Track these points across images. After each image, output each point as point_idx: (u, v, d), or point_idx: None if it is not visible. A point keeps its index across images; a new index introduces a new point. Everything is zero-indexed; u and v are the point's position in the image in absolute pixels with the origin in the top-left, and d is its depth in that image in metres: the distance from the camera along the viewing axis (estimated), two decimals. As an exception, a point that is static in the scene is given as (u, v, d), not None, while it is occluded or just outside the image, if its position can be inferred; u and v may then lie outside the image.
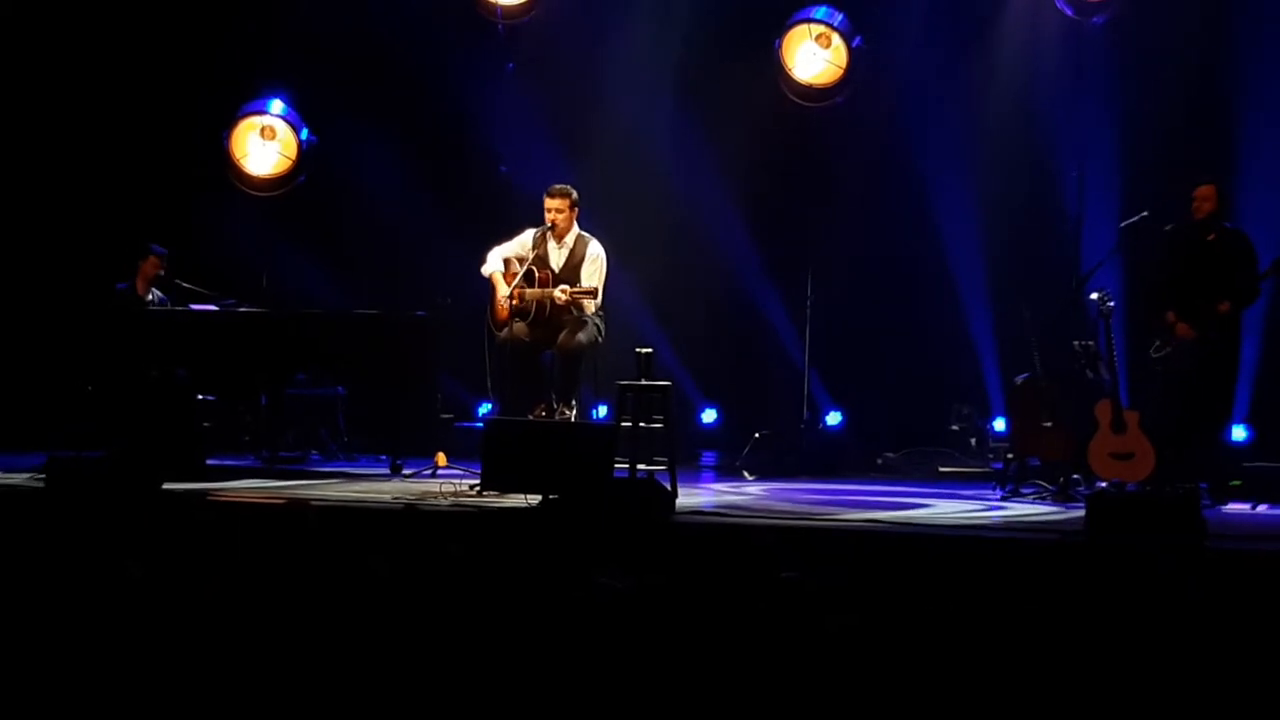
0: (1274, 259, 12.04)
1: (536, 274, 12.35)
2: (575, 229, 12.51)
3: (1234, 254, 12.09)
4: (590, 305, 12.29)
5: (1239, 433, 13.50)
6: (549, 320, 12.32)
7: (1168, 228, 12.38)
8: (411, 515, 9.96)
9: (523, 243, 12.50)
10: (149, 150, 15.45)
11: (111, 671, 6.14)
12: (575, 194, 12.49)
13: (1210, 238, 12.18)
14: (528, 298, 12.31)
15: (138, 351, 13.26)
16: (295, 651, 6.28)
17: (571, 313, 12.28)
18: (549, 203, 12.42)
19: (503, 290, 12.37)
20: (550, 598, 6.89)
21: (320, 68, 15.45)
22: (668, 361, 14.60)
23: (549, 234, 12.44)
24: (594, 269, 12.37)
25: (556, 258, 12.45)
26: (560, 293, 12.18)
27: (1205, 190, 12.17)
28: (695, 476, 13.85)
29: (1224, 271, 12.03)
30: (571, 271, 12.36)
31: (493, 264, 12.52)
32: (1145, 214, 12.69)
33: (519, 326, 12.30)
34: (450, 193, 15.50)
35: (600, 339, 12.44)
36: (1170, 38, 14.25)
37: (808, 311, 14.82)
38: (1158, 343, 12.27)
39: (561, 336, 12.25)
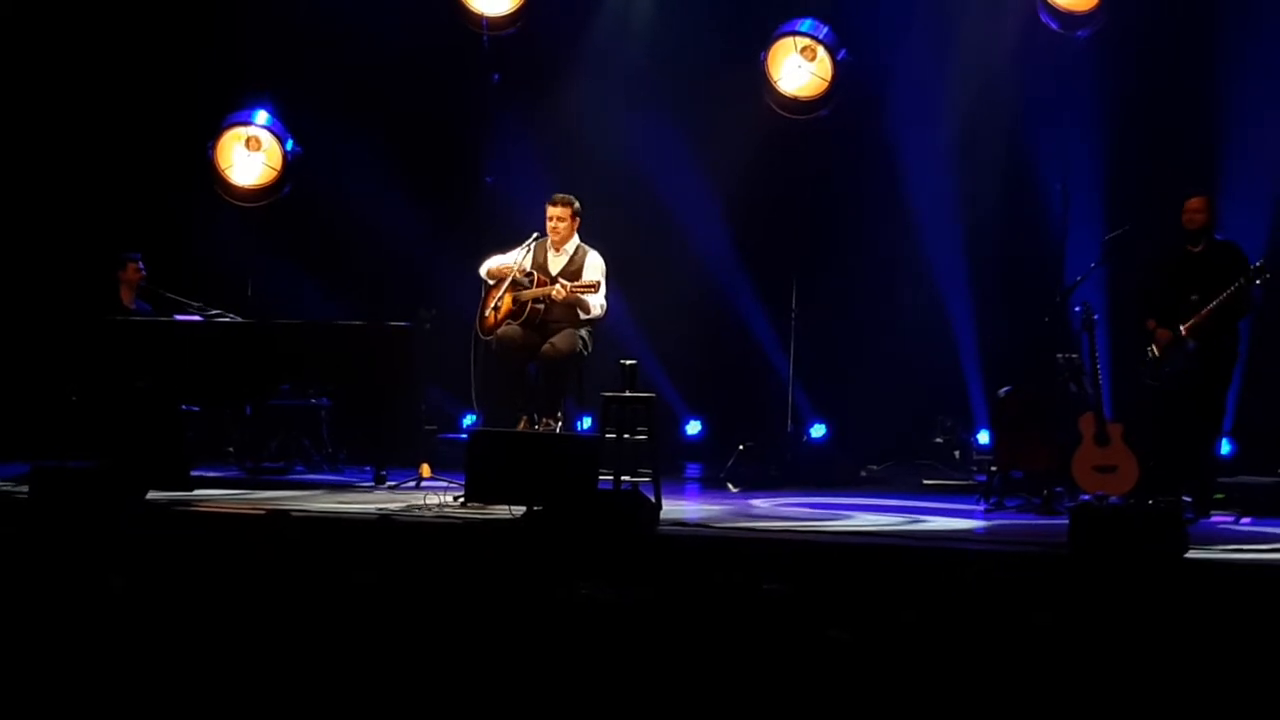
0: (1254, 265, 12.01)
1: (535, 277, 12.37)
2: (575, 239, 12.52)
3: (1219, 265, 12.09)
4: (595, 305, 12.26)
5: (1222, 446, 13.51)
6: (542, 325, 12.32)
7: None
8: (387, 525, 9.96)
9: (521, 251, 12.48)
10: (134, 161, 15.44)
11: (94, 681, 6.13)
12: (578, 204, 12.50)
13: (1198, 249, 12.20)
14: (523, 298, 12.32)
15: (122, 362, 13.24)
16: (278, 662, 6.28)
17: (564, 315, 12.27)
18: (551, 210, 12.42)
19: (498, 289, 12.38)
20: (534, 609, 6.89)
21: (305, 79, 15.44)
22: (652, 373, 14.61)
23: (547, 242, 12.46)
24: (593, 273, 12.36)
25: (554, 265, 12.46)
26: (559, 288, 12.18)
27: (1197, 202, 12.19)
28: (680, 488, 13.84)
29: (1210, 284, 12.03)
30: (570, 279, 12.35)
31: (490, 265, 12.53)
32: (1129, 227, 12.73)
33: (512, 329, 12.28)
34: (435, 203, 15.50)
35: (586, 351, 12.43)
36: (1154, 52, 14.30)
37: (792, 323, 14.83)
38: (1147, 348, 12.25)
39: (546, 345, 12.24)
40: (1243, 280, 11.92)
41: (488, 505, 11.24)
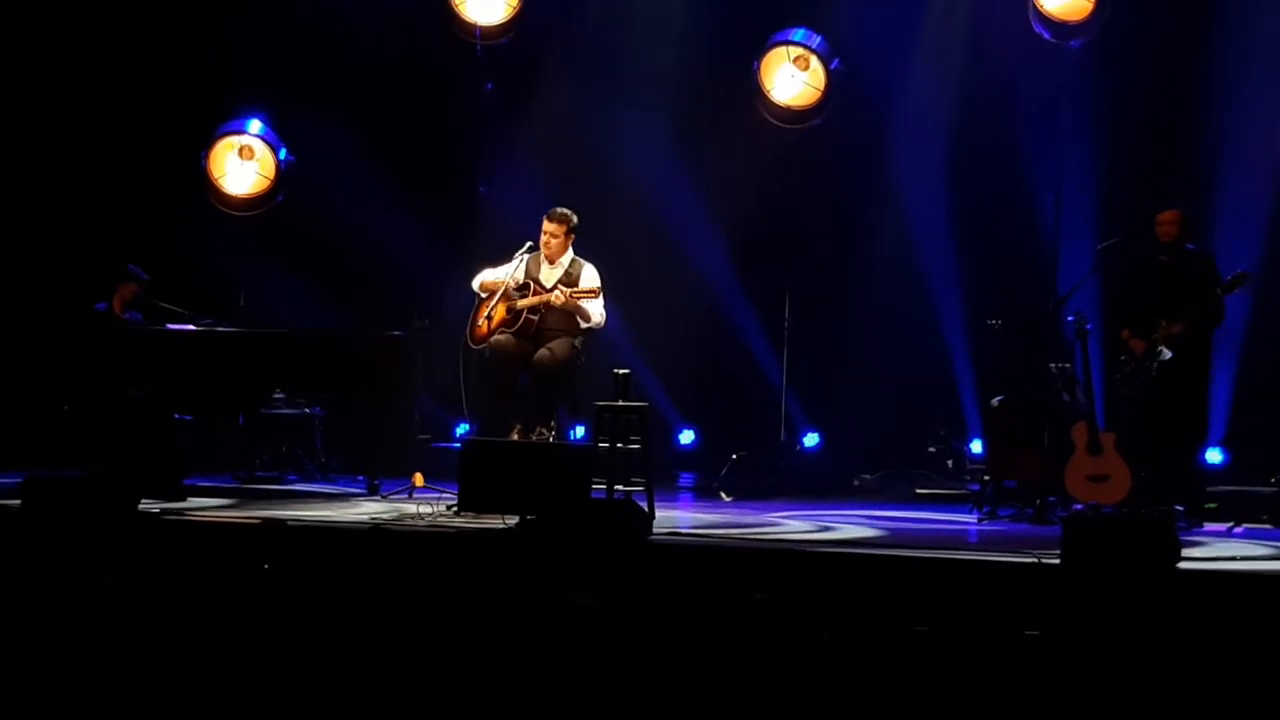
0: (1233, 274, 12.05)
1: (532, 286, 12.38)
2: (570, 253, 12.53)
3: (1190, 275, 12.12)
4: (594, 313, 12.27)
5: (1215, 455, 13.53)
6: (536, 335, 12.34)
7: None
8: (379, 535, 9.95)
9: (514, 264, 12.49)
10: (128, 169, 15.43)
11: (87, 692, 6.13)
12: (574, 220, 12.50)
13: (1168, 259, 12.22)
14: (517, 307, 12.33)
15: (116, 371, 13.23)
16: (269, 671, 6.28)
17: (559, 324, 12.29)
18: (547, 225, 12.42)
19: (494, 285, 12.38)
20: (528, 618, 6.89)
21: (298, 88, 15.45)
22: (645, 383, 14.60)
23: (541, 254, 12.47)
24: (590, 283, 12.37)
25: (548, 277, 12.46)
26: (558, 294, 12.20)
27: (1170, 215, 12.22)
28: (673, 498, 13.86)
29: (1179, 293, 12.07)
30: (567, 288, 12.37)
31: (483, 278, 12.54)
32: (1121, 237, 12.75)
33: (505, 338, 12.30)
34: (428, 213, 15.49)
35: (580, 360, 12.45)
36: (1147, 61, 14.31)
37: (785, 333, 14.84)
38: (1122, 358, 12.29)
39: (539, 354, 12.26)
40: (1220, 290, 11.97)
41: (481, 515, 11.23)
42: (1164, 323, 12.03)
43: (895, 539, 11.12)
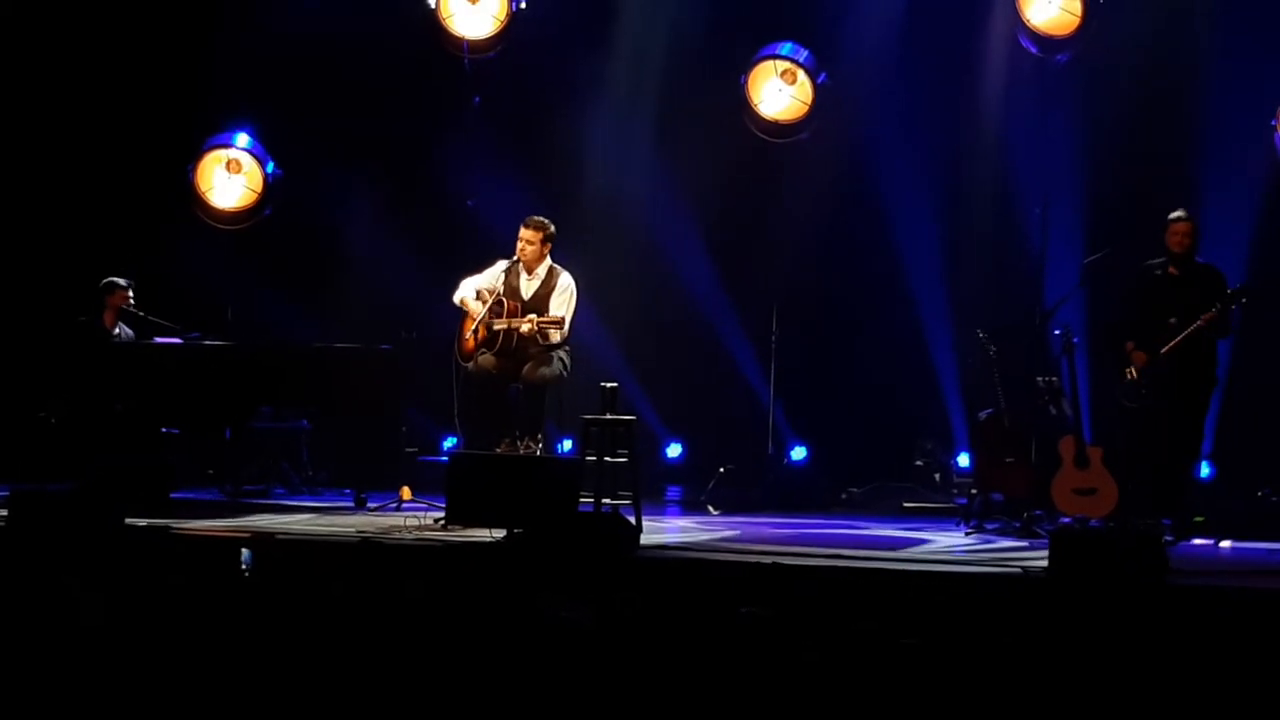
0: (1232, 289, 12.08)
1: (506, 304, 12.38)
2: (548, 261, 12.53)
3: (1201, 290, 12.13)
4: (556, 335, 12.31)
5: (1201, 469, 13.53)
6: (516, 352, 12.34)
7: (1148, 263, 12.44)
8: (368, 548, 9.93)
9: (494, 274, 12.52)
10: (114, 183, 15.42)
11: (71, 708, 6.12)
12: (552, 228, 12.51)
13: (1178, 273, 12.23)
14: (495, 328, 12.33)
15: (102, 384, 13.22)
16: (256, 685, 6.27)
17: (538, 342, 12.29)
18: (523, 233, 12.43)
19: (474, 311, 12.38)
20: (514, 632, 6.88)
21: (286, 101, 15.44)
22: (633, 396, 14.60)
23: (519, 265, 12.47)
24: (563, 300, 12.40)
25: (526, 289, 12.48)
26: (526, 322, 12.21)
27: (1183, 227, 12.20)
28: (660, 511, 13.84)
29: (1189, 307, 12.07)
30: (541, 302, 12.40)
31: (463, 292, 12.55)
32: (1108, 251, 12.77)
33: (486, 358, 12.31)
34: (417, 226, 15.49)
35: (566, 373, 12.45)
36: (1134, 75, 14.33)
37: (773, 346, 14.84)
38: (1129, 370, 12.27)
39: (526, 368, 12.27)
40: (1219, 305, 11.97)
41: (468, 528, 11.23)
42: (1168, 337, 12.02)
43: (880, 553, 11.11)
